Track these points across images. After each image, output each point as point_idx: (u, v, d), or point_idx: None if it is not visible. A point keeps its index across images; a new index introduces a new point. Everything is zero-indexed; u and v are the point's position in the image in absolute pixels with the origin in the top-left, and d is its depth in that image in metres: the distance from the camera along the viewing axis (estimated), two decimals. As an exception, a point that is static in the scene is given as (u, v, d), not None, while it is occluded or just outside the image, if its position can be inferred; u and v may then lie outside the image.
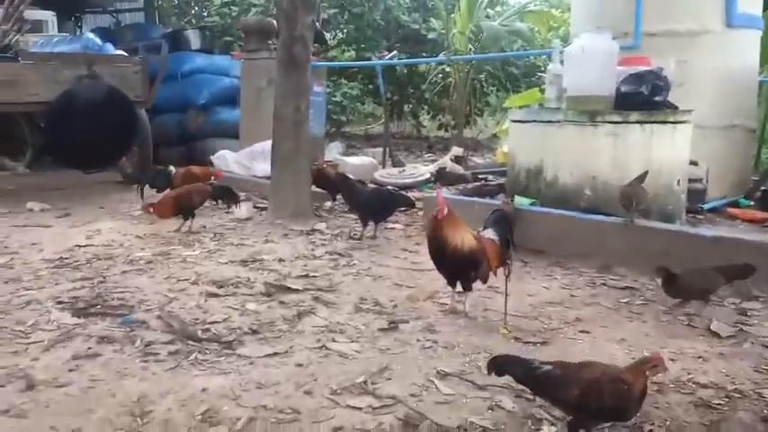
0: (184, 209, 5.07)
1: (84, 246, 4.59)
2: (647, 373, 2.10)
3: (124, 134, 6.68)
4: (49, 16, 9.22)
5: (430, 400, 2.40)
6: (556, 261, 4.23)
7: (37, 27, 8.60)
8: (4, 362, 2.61)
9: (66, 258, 4.24)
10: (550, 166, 4.79)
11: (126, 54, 7.44)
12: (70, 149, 6.51)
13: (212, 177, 6.10)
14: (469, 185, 5.82)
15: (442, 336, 3.02)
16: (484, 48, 10.80)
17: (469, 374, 2.61)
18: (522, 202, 4.70)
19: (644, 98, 4.53)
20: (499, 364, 2.25)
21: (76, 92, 6.25)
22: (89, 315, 3.17)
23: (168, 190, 5.68)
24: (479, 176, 6.55)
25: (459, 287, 3.35)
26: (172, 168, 6.27)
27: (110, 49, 7.64)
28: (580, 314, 3.33)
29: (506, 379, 2.52)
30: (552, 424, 2.22)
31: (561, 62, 5.03)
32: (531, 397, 2.41)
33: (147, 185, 6.09)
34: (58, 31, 9.34)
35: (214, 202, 5.71)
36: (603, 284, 3.84)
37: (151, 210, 5.06)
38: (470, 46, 10.81)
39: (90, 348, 2.77)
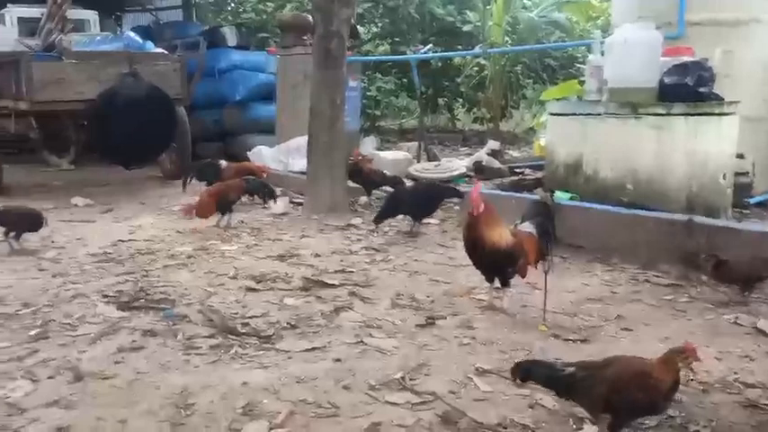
0: (221, 206, 5.13)
1: (127, 241, 4.70)
2: (679, 363, 2.03)
3: (164, 131, 6.80)
4: (91, 15, 9.42)
5: (468, 397, 2.39)
6: (596, 257, 4.16)
7: (80, 26, 8.78)
8: (54, 353, 2.69)
9: (110, 253, 4.35)
10: (590, 159, 4.70)
11: (165, 52, 7.55)
12: (112, 146, 6.66)
13: (264, 174, 6.18)
14: (506, 180, 5.75)
15: (479, 332, 3.00)
16: (521, 39, 10.62)
17: (508, 371, 2.58)
18: (561, 196, 4.63)
19: (688, 90, 4.41)
20: (523, 369, 2.22)
21: (118, 90, 6.38)
22: (133, 309, 3.25)
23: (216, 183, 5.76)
24: (516, 170, 6.47)
25: (497, 283, 3.32)
26: (223, 162, 6.37)
27: (150, 47, 7.76)
28: (622, 311, 3.26)
29: (546, 377, 2.51)
30: (594, 423, 2.19)
31: (602, 53, 4.92)
32: (572, 396, 2.38)
33: (195, 178, 6.19)
34: (100, 30, 9.54)
35: (250, 198, 5.77)
36: (647, 281, 3.76)
37: (193, 212, 5.04)
38: (507, 38, 10.65)
39: (134, 341, 2.84)
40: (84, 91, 6.39)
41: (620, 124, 4.52)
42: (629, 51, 4.52)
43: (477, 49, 9.48)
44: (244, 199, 5.65)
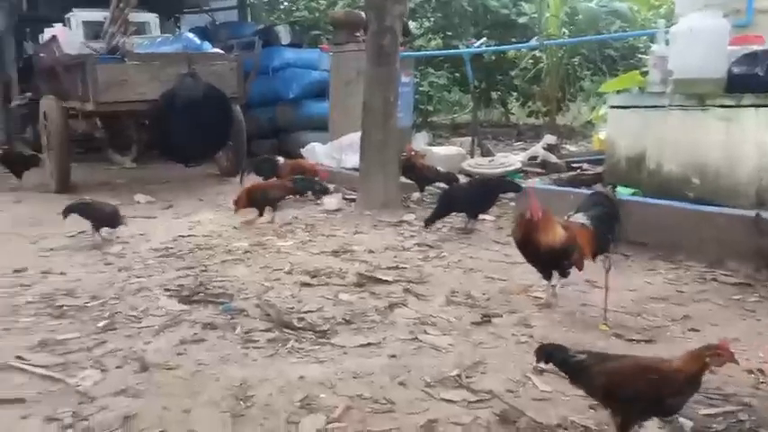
0: (255, 201, 5.20)
1: (187, 236, 4.83)
2: (707, 361, 1.90)
3: (221, 129, 6.96)
4: (151, 18, 9.69)
5: (527, 397, 2.34)
6: (660, 255, 4.01)
7: (141, 29, 9.05)
8: (121, 344, 2.79)
9: (170, 248, 4.47)
10: (654, 153, 4.55)
11: (222, 52, 7.71)
12: (172, 145, 6.85)
13: (317, 175, 6.25)
14: (564, 175, 5.62)
15: (537, 330, 2.95)
16: (579, 30, 10.36)
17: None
18: (622, 191, 4.49)
19: (759, 80, 4.20)
20: (545, 352, 2.20)
21: (178, 90, 6.55)
22: (193, 302, 3.33)
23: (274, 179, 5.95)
24: (574, 165, 6.32)
25: (554, 280, 3.25)
26: (280, 159, 6.47)
27: (207, 47, 7.94)
28: (688, 311, 3.14)
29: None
30: (660, 427, 2.11)
31: (666, 43, 4.75)
32: (635, 396, 2.30)
33: (253, 173, 6.29)
34: (160, 32, 9.82)
35: (301, 197, 5.84)
36: (714, 280, 3.60)
37: (234, 199, 5.25)
38: (564, 29, 10.40)
39: (195, 334, 2.91)
40: (146, 91, 6.58)
41: (685, 116, 4.36)
42: (695, 40, 4.35)
43: (533, 42, 9.29)
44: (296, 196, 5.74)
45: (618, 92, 5.52)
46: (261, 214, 5.22)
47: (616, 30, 10.48)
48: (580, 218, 3.29)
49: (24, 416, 2.19)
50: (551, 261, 3.17)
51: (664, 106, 4.50)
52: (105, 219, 4.62)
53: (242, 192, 5.28)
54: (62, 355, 2.68)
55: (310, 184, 5.67)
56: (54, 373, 2.50)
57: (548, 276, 3.25)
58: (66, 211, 4.64)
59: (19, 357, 2.64)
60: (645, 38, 9.42)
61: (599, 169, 5.51)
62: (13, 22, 9.90)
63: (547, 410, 2.24)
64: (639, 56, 9.87)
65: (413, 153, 5.97)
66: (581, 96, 11.92)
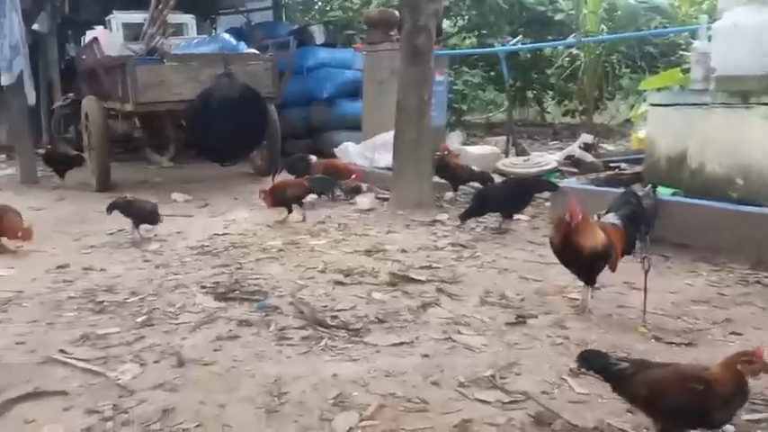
0: (279, 200, 5.26)
1: (222, 234, 4.90)
2: (740, 368, 1.84)
3: (256, 129, 7.04)
4: (188, 19, 9.85)
5: (563, 399, 2.31)
6: (701, 256, 3.92)
7: (179, 30, 9.21)
8: (159, 339, 2.85)
9: (206, 246, 4.54)
10: (695, 152, 4.43)
11: (257, 52, 7.79)
12: (208, 144, 6.96)
13: (352, 175, 6.28)
14: (602, 174, 5.52)
15: (573, 332, 2.90)
16: (618, 27, 10.15)
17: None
18: (663, 191, 4.39)
19: (806, 76, 4.06)
20: (584, 358, 2.16)
21: (214, 90, 6.65)
22: (229, 299, 3.38)
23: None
24: (612, 165, 6.20)
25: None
26: (312, 157, 6.51)
27: (243, 48, 8.04)
28: (730, 314, 3.06)
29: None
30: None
31: (708, 39, 4.63)
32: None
33: (286, 171, 6.35)
34: (197, 33, 9.96)
35: (319, 196, 5.82)
36: (757, 282, 3.50)
37: (261, 196, 5.35)
38: (603, 26, 10.19)
39: (231, 330, 2.95)
40: (183, 92, 6.68)
41: (728, 114, 4.23)
42: (739, 36, 4.22)
43: (570, 39, 9.14)
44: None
45: (658, 89, 5.39)
46: (290, 212, 5.27)
47: (656, 26, 10.24)
48: (611, 218, 3.23)
49: (66, 408, 2.25)
50: (590, 264, 3.10)
51: (706, 104, 4.38)
52: (145, 216, 4.73)
53: (267, 190, 5.36)
54: (103, 349, 2.75)
55: (326, 185, 5.64)
56: (95, 366, 2.57)
57: (588, 279, 3.17)
58: (110, 208, 4.77)
59: (62, 351, 2.71)
60: (686, 34, 9.19)
61: (638, 169, 5.39)
62: (56, 24, 10.16)
63: (583, 413, 2.21)
64: (680, 53, 9.63)
65: (447, 152, 5.94)
66: (619, 94, 11.69)
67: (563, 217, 3.06)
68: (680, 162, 4.57)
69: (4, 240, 4.45)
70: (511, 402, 2.28)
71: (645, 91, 7.20)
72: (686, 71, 5.11)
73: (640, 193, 3.80)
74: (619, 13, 10.32)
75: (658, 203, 4.11)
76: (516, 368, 2.56)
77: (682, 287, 3.47)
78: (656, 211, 4.02)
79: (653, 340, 2.80)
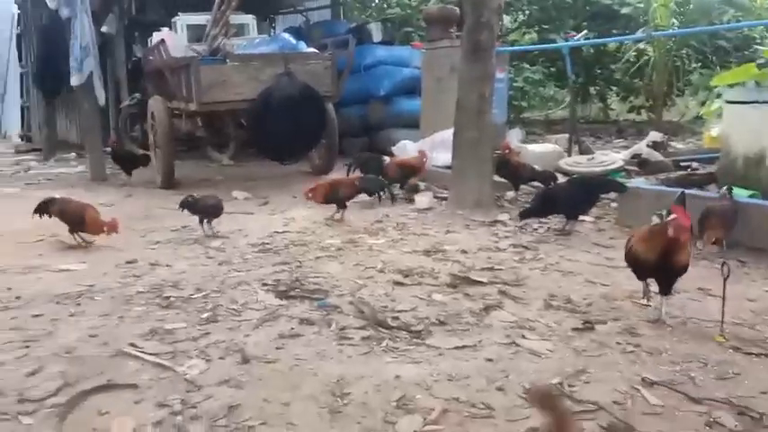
0: (330, 198, 5.28)
1: (282, 232, 4.95)
2: None
3: (315, 128, 7.09)
4: (249, 20, 10.01)
5: (636, 410, 2.21)
6: (781, 261, 3.71)
7: (240, 30, 9.38)
8: (223, 336, 2.89)
9: (267, 244, 4.60)
10: (774, 152, 4.20)
11: (317, 51, 7.85)
12: (268, 143, 7.05)
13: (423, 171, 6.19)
14: (673, 175, 5.30)
15: (645, 340, 2.78)
16: (689, 21, 9.72)
17: (681, 385, 2.38)
18: (739, 193, 4.17)
19: None
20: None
21: (274, 89, 6.73)
22: (290, 297, 3.40)
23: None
24: (682, 164, 5.95)
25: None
26: (385, 158, 6.46)
27: (303, 47, 8.11)
28: (815, 325, 2.87)
29: (726, 393, 2.27)
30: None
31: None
32: (757, 415, 2.13)
33: (359, 170, 6.39)
34: (257, 33, 10.12)
35: (370, 196, 5.77)
36: (843, 290, 3.28)
37: (309, 195, 5.35)
38: (674, 19, 9.78)
39: (293, 329, 2.96)
40: (245, 91, 6.80)
41: (812, 112, 3.99)
42: (826, 28, 3.96)
43: (639, 33, 8.81)
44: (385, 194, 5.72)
45: (730, 86, 5.14)
46: (342, 209, 5.30)
47: (729, 19, 9.77)
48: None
49: (137, 401, 2.31)
50: (677, 277, 2.92)
51: (787, 101, 4.15)
52: (209, 210, 4.83)
53: (317, 187, 5.38)
54: (171, 344, 2.81)
55: (376, 185, 5.58)
56: (164, 360, 2.62)
57: (667, 290, 3.00)
58: (181, 206, 4.92)
59: (132, 344, 2.79)
60: (761, 28, 8.72)
61: (711, 169, 5.15)
62: (123, 26, 10.51)
63: (658, 425, 2.11)
64: (755, 47, 9.16)
65: (508, 150, 5.83)
66: (688, 90, 11.22)
67: (661, 230, 2.79)
68: (758, 162, 4.35)
69: (84, 235, 4.61)
70: (580, 412, 2.20)
71: (716, 87, 6.89)
72: (761, 66, 4.85)
73: (716, 195, 3.62)
74: (691, 6, 9.88)
75: (737, 206, 3.91)
76: (585, 376, 2.47)
77: (761, 294, 3.29)
78: (736, 214, 3.82)
79: (731, 350, 2.66)
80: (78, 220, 4.53)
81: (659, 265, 2.86)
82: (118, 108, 10.34)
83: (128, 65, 10.66)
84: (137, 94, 9.83)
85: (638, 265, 2.98)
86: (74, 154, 10.28)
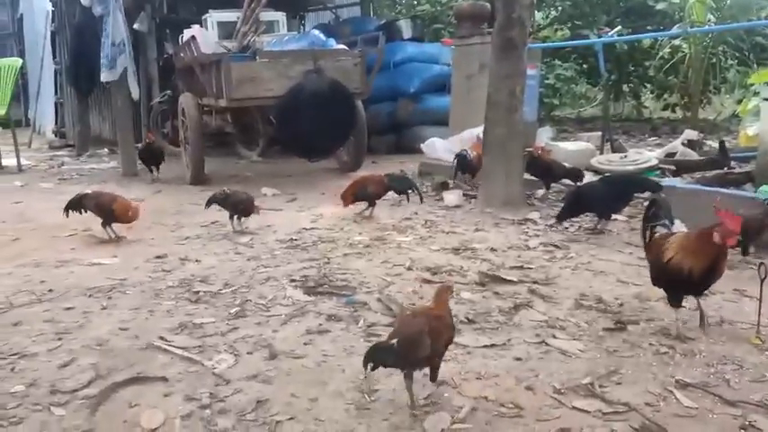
0: (359, 196, 5.27)
1: (310, 228, 4.97)
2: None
3: (345, 125, 7.08)
4: (279, 16, 10.05)
5: (668, 412, 2.16)
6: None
7: (270, 27, 9.42)
8: (251, 331, 2.90)
9: (295, 240, 4.62)
10: (814, 150, 4.07)
11: (346, 48, 7.85)
12: (297, 140, 7.07)
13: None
14: (709, 174, 5.17)
15: (679, 341, 2.71)
16: (726, 17, 9.48)
17: (715, 387, 2.32)
18: (771, 192, 4.06)
19: None
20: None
21: (303, 86, 6.74)
22: (317, 293, 3.40)
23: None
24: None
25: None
26: (467, 153, 6.36)
27: (332, 44, 8.11)
28: None
29: (762, 396, 2.21)
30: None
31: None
32: (794, 420, 2.06)
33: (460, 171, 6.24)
34: (287, 30, 10.17)
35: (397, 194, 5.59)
36: None
37: (341, 200, 5.31)
38: (710, 15, 9.55)
39: (320, 325, 2.96)
40: (274, 88, 6.82)
41: None
42: None
43: (675, 30, 8.62)
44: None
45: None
46: (371, 206, 5.29)
47: (767, 15, 9.51)
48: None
49: (167, 394, 2.33)
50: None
51: (828, 98, 4.01)
52: (241, 207, 4.86)
53: (345, 192, 5.33)
54: (199, 338, 2.83)
55: (404, 184, 5.47)
56: (193, 354, 2.64)
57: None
58: (209, 202, 4.95)
59: (162, 338, 2.82)
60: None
61: (748, 168, 5.02)
62: (155, 23, 10.66)
63: (691, 428, 2.06)
64: (793, 44, 8.91)
65: (540, 151, 5.71)
66: (725, 88, 10.96)
67: (707, 238, 2.57)
68: (797, 161, 4.21)
69: (116, 228, 4.68)
70: (612, 413, 2.16)
71: (753, 85, 6.71)
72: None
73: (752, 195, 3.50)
74: (729, 2, 9.63)
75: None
76: (616, 377, 2.42)
77: (800, 296, 3.18)
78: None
79: (767, 353, 2.58)
80: (108, 211, 4.59)
81: (708, 275, 2.66)
82: (149, 105, 10.49)
83: (159, 62, 10.80)
84: (168, 91, 9.95)
85: (682, 282, 2.68)
86: (106, 150, 10.47)
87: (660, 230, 2.93)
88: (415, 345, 2.12)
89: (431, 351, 2.15)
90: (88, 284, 3.60)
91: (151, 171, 7.56)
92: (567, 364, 2.54)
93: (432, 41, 10.50)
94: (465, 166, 6.21)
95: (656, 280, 2.90)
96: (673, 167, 5.88)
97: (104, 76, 7.92)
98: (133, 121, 8.80)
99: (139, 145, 8.28)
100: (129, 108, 8.36)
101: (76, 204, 4.70)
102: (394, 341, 2.13)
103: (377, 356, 2.17)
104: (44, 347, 2.75)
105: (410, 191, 5.38)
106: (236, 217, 4.88)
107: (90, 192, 4.91)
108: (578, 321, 2.97)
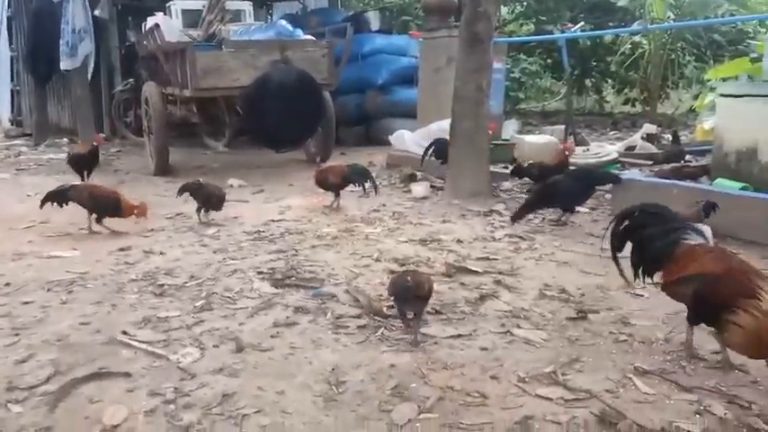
0: (322, 185, 5.34)
1: (278, 220, 4.94)
2: None
3: (312, 116, 7.03)
4: (246, 6, 9.90)
5: (628, 398, 2.23)
6: (773, 254, 3.72)
7: (236, 17, 9.28)
8: (218, 324, 2.88)
9: (262, 232, 4.58)
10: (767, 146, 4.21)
11: (314, 39, 7.78)
12: (264, 130, 7.00)
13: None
14: (666, 166, 5.31)
15: (638, 329, 2.80)
16: (685, 15, 9.71)
17: (672, 374, 2.39)
18: (728, 185, 4.19)
19: None
20: None
21: (270, 77, 6.67)
22: (285, 286, 3.39)
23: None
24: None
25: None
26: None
27: (299, 34, 8.03)
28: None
29: (717, 381, 2.29)
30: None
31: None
32: (746, 404, 2.15)
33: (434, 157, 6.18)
34: (254, 20, 10.03)
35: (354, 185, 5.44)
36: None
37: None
38: (670, 13, 9.77)
39: (288, 317, 2.96)
40: (241, 78, 6.74)
41: (806, 106, 4.00)
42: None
43: (635, 26, 8.80)
44: (385, 182, 5.63)
45: (724, 79, 5.15)
46: (336, 196, 5.33)
47: (723, 13, 9.78)
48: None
49: (130, 389, 2.29)
50: None
51: (781, 95, 4.16)
52: (213, 200, 4.82)
53: (315, 174, 5.42)
54: (164, 332, 2.79)
55: (360, 176, 5.32)
56: (157, 349, 2.61)
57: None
58: (182, 190, 4.88)
59: (125, 332, 2.77)
60: (755, 22, 8.72)
61: (704, 161, 5.18)
62: (116, 10, 10.39)
63: (649, 414, 2.12)
64: (748, 41, 9.17)
65: (568, 152, 5.55)
66: (682, 83, 11.25)
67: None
68: (750, 156, 4.38)
69: (108, 221, 4.56)
70: (574, 400, 2.21)
71: (709, 80, 6.90)
72: (755, 60, 4.88)
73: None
74: (688, 0, 9.87)
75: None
76: (578, 365, 2.48)
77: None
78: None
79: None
80: (114, 205, 4.47)
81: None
82: (111, 94, 10.25)
83: (121, 50, 10.56)
84: (130, 80, 9.74)
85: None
86: (66, 139, 10.20)
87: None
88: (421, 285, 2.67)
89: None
90: (47, 278, 3.52)
91: (82, 177, 6.37)
92: (531, 354, 2.59)
93: (400, 33, 10.50)
94: (442, 153, 6.20)
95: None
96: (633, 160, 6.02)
97: (65, 64, 7.72)
98: (94, 110, 8.59)
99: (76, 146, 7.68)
100: (88, 97, 8.16)
101: (59, 196, 4.53)
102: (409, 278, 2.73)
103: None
104: (1, 343, 2.68)
105: (367, 183, 5.32)
106: (203, 210, 4.83)
107: (79, 183, 4.77)
108: (542, 311, 3.03)
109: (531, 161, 5.86)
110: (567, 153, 5.57)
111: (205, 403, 2.19)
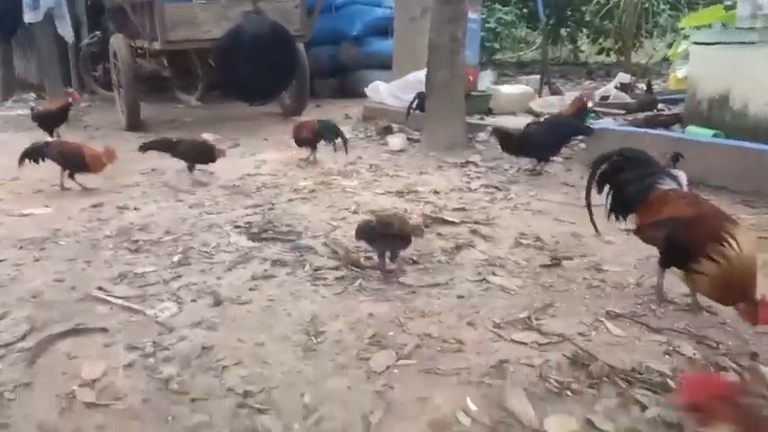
0: (297, 141, 5.30)
1: (254, 175, 4.90)
2: None
3: (286, 68, 6.90)
4: (215, -44, 9.58)
5: (599, 341, 2.29)
6: (742, 199, 3.80)
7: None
8: (195, 278, 2.88)
9: (238, 186, 4.55)
10: (740, 93, 4.27)
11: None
12: (237, 83, 6.86)
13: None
14: (641, 115, 5.34)
15: (609, 275, 2.86)
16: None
17: (643, 317, 2.47)
18: (700, 132, 4.24)
19: None
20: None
21: (243, 28, 6.50)
22: (262, 239, 3.39)
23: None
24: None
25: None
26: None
27: (271, -17, 7.80)
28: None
29: (686, 323, 2.36)
30: (739, 374, 2.03)
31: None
32: (715, 344, 2.22)
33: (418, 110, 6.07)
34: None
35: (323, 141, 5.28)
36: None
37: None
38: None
39: (266, 270, 2.96)
40: (212, 30, 6.56)
41: (777, 53, 4.03)
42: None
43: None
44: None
45: (698, 27, 5.15)
46: (312, 150, 5.28)
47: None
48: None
49: (108, 344, 2.29)
50: None
51: (753, 43, 4.17)
52: (196, 156, 4.74)
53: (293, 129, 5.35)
54: (141, 287, 2.78)
55: (328, 132, 5.18)
56: (134, 304, 2.61)
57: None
58: (145, 148, 4.78)
59: (101, 288, 2.76)
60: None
61: (677, 110, 5.21)
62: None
63: (620, 355, 2.19)
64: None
65: (584, 101, 5.29)
66: (656, 32, 11.22)
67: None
68: (722, 103, 4.42)
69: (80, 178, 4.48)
70: (547, 344, 2.27)
71: (684, 29, 6.89)
72: (729, 8, 4.88)
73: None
74: None
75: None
76: (552, 310, 2.54)
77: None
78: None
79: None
80: (79, 161, 4.38)
81: None
82: (78, 47, 9.91)
83: (87, 1, 10.14)
84: (97, 33, 9.40)
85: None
86: (33, 95, 9.89)
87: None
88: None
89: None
90: (19, 236, 3.47)
91: (51, 134, 6.16)
92: (507, 300, 2.64)
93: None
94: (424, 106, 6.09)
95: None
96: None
97: (28, 17, 7.42)
98: (61, 64, 8.31)
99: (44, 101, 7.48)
100: (54, 51, 7.89)
101: (35, 153, 4.43)
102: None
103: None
104: (-25, 301, 2.65)
105: (337, 139, 5.24)
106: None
107: (53, 140, 4.66)
108: (517, 259, 3.07)
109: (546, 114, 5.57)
110: (584, 100, 5.35)
111: (184, 356, 2.20)
